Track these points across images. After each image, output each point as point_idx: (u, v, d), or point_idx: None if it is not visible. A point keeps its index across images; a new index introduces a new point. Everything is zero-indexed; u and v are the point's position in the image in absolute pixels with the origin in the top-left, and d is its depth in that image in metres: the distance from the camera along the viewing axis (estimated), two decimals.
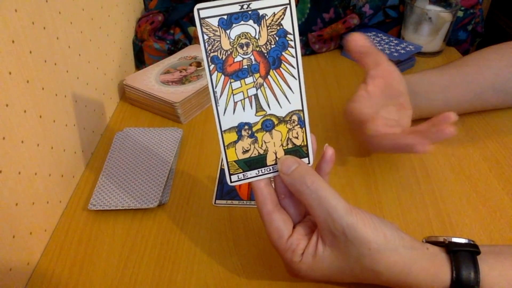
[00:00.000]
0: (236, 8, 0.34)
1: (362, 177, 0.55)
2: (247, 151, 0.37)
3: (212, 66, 0.35)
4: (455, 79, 0.58)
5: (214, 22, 0.34)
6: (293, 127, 0.37)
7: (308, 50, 0.83)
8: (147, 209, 0.51)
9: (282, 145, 0.38)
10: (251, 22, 0.34)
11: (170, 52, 0.78)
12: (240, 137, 0.37)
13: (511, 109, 0.64)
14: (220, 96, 0.36)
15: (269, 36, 0.35)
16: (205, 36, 0.34)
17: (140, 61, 0.79)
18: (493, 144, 0.59)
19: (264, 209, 0.37)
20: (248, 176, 0.38)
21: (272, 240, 0.37)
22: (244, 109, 0.36)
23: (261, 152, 0.37)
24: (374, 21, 0.84)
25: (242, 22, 0.34)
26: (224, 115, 0.36)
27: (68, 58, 0.53)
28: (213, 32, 0.34)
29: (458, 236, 0.38)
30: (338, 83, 0.74)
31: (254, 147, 0.37)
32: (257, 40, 0.35)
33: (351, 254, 0.35)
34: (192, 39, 0.80)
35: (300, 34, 0.78)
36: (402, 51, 0.76)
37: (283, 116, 0.37)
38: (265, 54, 0.35)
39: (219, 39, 0.34)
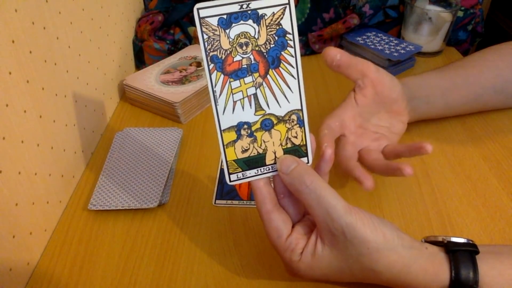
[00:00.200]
0: (235, 8, 0.34)
1: None
2: (246, 150, 0.37)
3: (211, 66, 0.35)
4: (455, 81, 0.58)
5: (214, 21, 0.34)
6: (292, 126, 0.37)
7: (308, 50, 0.83)
8: (147, 209, 0.51)
9: (281, 144, 0.38)
10: (250, 21, 0.34)
11: (170, 52, 0.78)
12: (239, 136, 0.37)
13: (511, 109, 0.64)
14: (220, 96, 0.36)
15: (268, 36, 0.35)
16: (204, 35, 0.34)
17: (140, 61, 0.79)
18: (493, 144, 0.59)
19: (263, 208, 0.37)
20: (247, 176, 0.38)
21: (271, 239, 0.37)
22: (243, 108, 0.36)
23: (260, 151, 0.37)
24: (374, 21, 0.84)
25: (241, 22, 0.34)
26: (223, 114, 0.36)
27: (68, 58, 0.53)
28: (213, 31, 0.34)
29: (457, 236, 0.38)
30: (338, 83, 0.74)
31: (253, 147, 0.37)
32: (256, 39, 0.35)
33: (350, 253, 0.35)
34: (192, 39, 0.80)
35: (300, 34, 0.78)
36: (402, 51, 0.76)
37: (282, 115, 0.37)
38: (265, 54, 0.35)
39: (218, 39, 0.34)
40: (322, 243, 0.36)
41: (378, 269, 0.35)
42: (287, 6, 0.35)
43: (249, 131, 0.37)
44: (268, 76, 0.36)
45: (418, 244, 0.37)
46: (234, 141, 0.37)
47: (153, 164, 0.56)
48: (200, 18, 0.34)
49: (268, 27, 0.35)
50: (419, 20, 0.78)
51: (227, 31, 0.34)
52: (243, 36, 0.35)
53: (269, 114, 0.37)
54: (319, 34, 0.81)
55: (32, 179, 0.44)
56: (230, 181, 0.38)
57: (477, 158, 0.57)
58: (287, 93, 0.37)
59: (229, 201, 0.52)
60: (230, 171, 0.37)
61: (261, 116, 0.37)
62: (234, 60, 0.35)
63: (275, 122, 0.37)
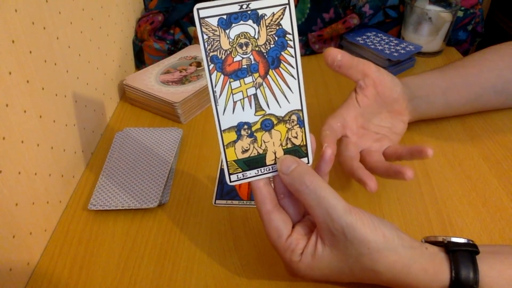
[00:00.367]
0: (235, 8, 0.34)
1: None
2: (246, 150, 0.37)
3: (211, 66, 0.35)
4: (455, 81, 0.58)
5: (214, 21, 0.34)
6: (292, 126, 0.37)
7: (308, 50, 0.83)
8: (147, 209, 0.51)
9: (281, 144, 0.38)
10: (250, 22, 0.34)
11: (170, 52, 0.78)
12: (239, 136, 0.37)
13: (511, 109, 0.64)
14: (220, 96, 0.36)
15: (268, 36, 0.35)
16: (204, 35, 0.34)
17: (140, 61, 0.79)
18: (493, 144, 0.59)
19: (263, 208, 0.37)
20: (248, 176, 0.38)
21: (271, 239, 0.37)
22: (243, 108, 0.36)
23: (261, 151, 0.37)
24: (374, 21, 0.84)
25: (241, 22, 0.34)
26: (223, 114, 0.36)
27: (68, 58, 0.53)
28: (213, 31, 0.34)
29: (457, 236, 0.38)
30: (338, 83, 0.74)
31: (254, 147, 0.37)
32: (256, 40, 0.35)
33: (351, 253, 0.35)
34: (192, 39, 0.80)
35: (300, 34, 0.78)
36: (402, 51, 0.76)
37: (283, 115, 0.37)
38: (264, 54, 0.35)
39: (218, 39, 0.34)
40: (323, 243, 0.36)
41: (378, 269, 0.35)
42: (287, 6, 0.35)
43: (249, 132, 0.37)
44: (268, 76, 0.36)
45: (418, 244, 0.37)
46: (234, 142, 0.37)
47: (153, 164, 0.56)
48: (200, 19, 0.34)
49: (268, 27, 0.35)
50: (419, 20, 0.78)
51: (227, 31, 0.34)
52: (243, 37, 0.35)
53: (269, 114, 0.37)
54: (319, 34, 0.81)
55: (32, 179, 0.44)
56: (230, 181, 0.38)
57: (477, 158, 0.57)
58: (287, 93, 0.37)
59: (229, 201, 0.52)
60: (230, 172, 0.37)
61: (261, 116, 0.37)
62: (234, 60, 0.35)
63: (275, 122, 0.37)
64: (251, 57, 0.35)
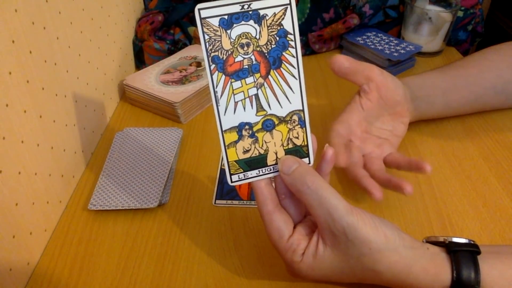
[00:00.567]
0: (236, 8, 0.34)
1: None
2: (247, 151, 0.37)
3: (212, 66, 0.35)
4: (456, 81, 0.58)
5: (215, 22, 0.34)
6: (294, 127, 0.37)
7: (308, 50, 0.83)
8: (147, 209, 0.51)
9: (282, 145, 0.38)
10: (251, 22, 0.34)
11: (170, 52, 0.78)
12: (240, 137, 0.37)
13: (511, 109, 0.64)
14: (221, 96, 0.36)
15: (269, 36, 0.35)
16: (206, 36, 0.34)
17: (140, 61, 0.79)
18: (493, 144, 0.59)
19: (265, 209, 0.37)
20: (249, 176, 0.38)
21: (273, 240, 0.37)
22: (244, 109, 0.36)
23: (262, 152, 0.37)
24: (374, 21, 0.84)
25: (242, 22, 0.34)
26: (224, 115, 0.36)
27: (68, 58, 0.53)
28: (214, 32, 0.34)
29: (458, 236, 0.38)
30: (338, 83, 0.74)
31: (255, 147, 0.37)
32: (257, 40, 0.35)
33: (352, 254, 0.35)
34: (192, 39, 0.80)
35: (300, 34, 0.78)
36: (402, 51, 0.76)
37: (284, 116, 0.37)
38: (266, 54, 0.35)
39: (219, 39, 0.34)
40: (324, 243, 0.36)
41: (379, 269, 0.35)
42: (288, 6, 0.35)
43: (250, 132, 0.37)
44: (269, 76, 0.36)
45: (419, 244, 0.37)
46: (236, 142, 0.37)
47: (153, 164, 0.55)
48: (201, 19, 0.33)
49: (269, 28, 0.35)
50: (419, 20, 0.78)
51: (228, 31, 0.34)
52: (244, 37, 0.35)
53: (270, 114, 0.37)
54: (319, 34, 0.81)
55: (32, 179, 0.44)
56: (232, 181, 0.38)
57: (477, 158, 0.57)
58: (288, 93, 0.37)
59: (229, 201, 0.52)
60: (231, 172, 0.37)
61: (262, 116, 0.37)
62: (236, 60, 0.35)
63: (276, 122, 0.37)
64: (253, 57, 0.35)
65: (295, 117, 0.37)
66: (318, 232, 0.37)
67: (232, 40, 0.35)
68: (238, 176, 0.38)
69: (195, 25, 0.78)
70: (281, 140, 0.37)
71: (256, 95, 0.36)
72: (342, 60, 0.49)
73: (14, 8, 0.41)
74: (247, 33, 0.35)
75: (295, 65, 0.36)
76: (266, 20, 0.35)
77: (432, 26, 0.78)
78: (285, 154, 0.38)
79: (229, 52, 0.35)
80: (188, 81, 0.68)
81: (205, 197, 0.53)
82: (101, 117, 0.64)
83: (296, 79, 0.36)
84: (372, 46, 0.78)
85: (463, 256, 0.35)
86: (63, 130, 0.51)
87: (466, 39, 0.84)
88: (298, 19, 0.82)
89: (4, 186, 0.39)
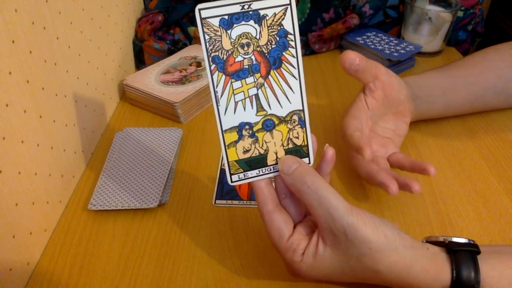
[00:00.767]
0: (237, 8, 0.34)
1: (362, 177, 0.55)
2: (247, 151, 0.37)
3: (213, 66, 0.35)
4: (456, 81, 0.58)
5: (215, 22, 0.34)
6: (294, 127, 0.37)
7: (308, 50, 0.83)
8: (147, 209, 0.51)
9: (282, 145, 0.38)
10: (252, 22, 0.34)
11: (170, 52, 0.78)
12: (241, 137, 0.37)
13: (511, 109, 0.64)
14: (221, 96, 0.36)
15: (269, 36, 0.35)
16: (206, 36, 0.34)
17: (140, 61, 0.79)
18: (493, 144, 0.59)
19: (265, 209, 0.37)
20: (249, 176, 0.38)
21: (273, 240, 0.37)
22: (245, 109, 0.36)
23: (262, 152, 0.37)
24: (374, 21, 0.84)
25: (243, 22, 0.34)
26: (225, 115, 0.36)
27: (68, 58, 0.53)
28: (214, 32, 0.34)
29: (458, 236, 0.38)
30: (338, 83, 0.74)
31: (255, 147, 0.37)
32: (258, 40, 0.35)
33: (352, 253, 0.35)
34: (192, 39, 0.80)
35: (300, 34, 0.78)
36: (402, 51, 0.76)
37: (284, 116, 0.37)
38: (266, 54, 0.35)
39: (220, 39, 0.34)
40: (324, 243, 0.36)
41: (379, 269, 0.35)
42: (289, 6, 0.35)
43: (250, 132, 0.37)
44: (269, 76, 0.36)
45: (419, 244, 0.37)
46: (236, 142, 0.37)
47: (153, 164, 0.55)
48: (201, 19, 0.33)
49: (270, 28, 0.35)
50: (419, 20, 0.78)
51: (229, 31, 0.34)
52: (245, 37, 0.35)
53: (270, 114, 0.37)
54: (319, 34, 0.81)
55: (32, 179, 0.44)
56: (232, 181, 0.38)
57: (477, 158, 0.57)
58: (288, 93, 0.37)
59: (229, 201, 0.52)
60: (231, 172, 0.37)
61: (262, 116, 0.37)
62: (236, 60, 0.35)
63: (276, 122, 0.37)
64: (253, 57, 0.35)
65: (295, 117, 0.37)
66: (318, 232, 0.37)
67: (232, 40, 0.35)
68: (238, 176, 0.38)
69: (195, 25, 0.78)
70: (281, 140, 0.37)
71: (256, 95, 0.36)
72: (353, 57, 0.49)
73: (14, 8, 0.41)
74: (248, 33, 0.35)
75: (295, 65, 0.36)
76: (266, 20, 0.35)
77: (432, 26, 0.78)
78: (285, 154, 0.38)
79: (230, 52, 0.35)
80: (188, 81, 0.68)
81: (205, 197, 0.53)
82: (101, 117, 0.64)
83: (296, 79, 0.36)
84: (372, 46, 0.78)
85: (463, 256, 0.35)
86: (63, 130, 0.51)
87: (466, 39, 0.84)
88: (298, 19, 0.82)
89: (4, 186, 0.39)
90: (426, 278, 0.35)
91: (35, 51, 0.45)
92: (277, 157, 0.38)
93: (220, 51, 0.35)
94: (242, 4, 0.34)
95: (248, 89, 0.36)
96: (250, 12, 0.34)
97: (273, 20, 0.35)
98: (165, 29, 0.82)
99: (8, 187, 0.40)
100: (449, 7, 0.77)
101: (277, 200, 0.38)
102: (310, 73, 0.77)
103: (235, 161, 0.37)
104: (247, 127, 0.37)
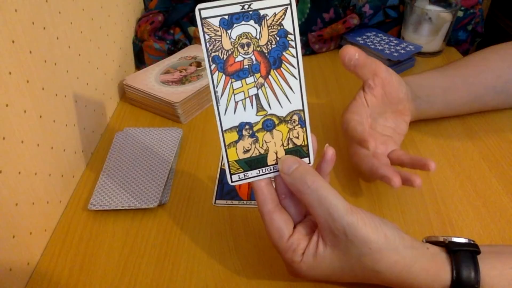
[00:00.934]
0: (237, 8, 0.34)
1: (362, 177, 0.55)
2: (248, 151, 0.37)
3: (213, 66, 0.35)
4: (456, 81, 0.58)
5: (215, 22, 0.34)
6: (294, 127, 0.37)
7: (308, 50, 0.83)
8: (147, 209, 0.51)
9: (282, 145, 0.38)
10: (252, 22, 0.34)
11: (170, 52, 0.78)
12: (241, 136, 0.37)
13: (511, 109, 0.64)
14: (221, 96, 0.36)
15: (270, 36, 0.35)
16: (206, 36, 0.34)
17: (140, 61, 0.79)
18: (493, 144, 0.59)
19: (265, 208, 0.37)
20: (249, 176, 0.38)
21: (273, 240, 0.37)
22: (245, 109, 0.36)
23: (262, 152, 0.37)
24: (374, 21, 0.84)
25: (243, 22, 0.34)
26: (225, 114, 0.36)
27: (68, 58, 0.53)
28: (214, 32, 0.34)
29: (458, 236, 0.38)
30: (338, 83, 0.74)
31: (255, 147, 0.37)
32: (258, 40, 0.35)
33: (352, 253, 0.35)
34: (192, 39, 0.80)
35: (300, 34, 0.78)
36: (402, 51, 0.76)
37: (284, 116, 0.37)
38: (266, 54, 0.35)
39: (220, 39, 0.34)
40: (324, 243, 0.36)
41: (379, 269, 0.35)
42: (289, 6, 0.35)
43: (250, 132, 0.37)
44: (269, 76, 0.36)
45: (419, 244, 0.37)
46: (236, 142, 0.37)
47: (153, 164, 0.55)
48: (201, 19, 0.33)
49: (270, 28, 0.35)
50: (419, 20, 0.78)
51: (229, 31, 0.34)
52: (245, 37, 0.35)
53: (270, 114, 0.37)
54: (319, 34, 0.81)
55: (32, 179, 0.44)
56: (232, 181, 0.38)
57: (477, 158, 0.57)
58: (288, 93, 0.37)
59: (229, 201, 0.52)
60: (231, 172, 0.37)
61: (262, 116, 0.37)
62: (236, 60, 0.35)
63: (276, 122, 0.37)
64: (253, 57, 0.35)
65: (295, 117, 0.37)
66: (318, 232, 0.37)
67: (232, 40, 0.35)
68: (238, 176, 0.38)
69: (195, 25, 0.78)
70: (281, 140, 0.37)
71: (256, 95, 0.36)
72: (353, 52, 0.49)
73: (14, 8, 0.41)
74: (248, 33, 0.35)
75: (295, 65, 0.36)
76: (267, 20, 0.35)
77: (432, 26, 0.78)
78: (285, 154, 0.38)
79: (230, 52, 0.35)
80: (188, 81, 0.68)
81: (205, 197, 0.53)
82: (101, 117, 0.64)
83: (296, 79, 0.36)
84: (372, 46, 0.78)
85: (463, 256, 0.35)
86: (63, 130, 0.51)
87: (466, 39, 0.84)
88: (298, 19, 0.82)
89: (4, 186, 0.39)
90: (426, 278, 0.35)
91: (35, 51, 0.45)
92: (277, 157, 0.38)
93: (220, 51, 0.35)
94: (242, 4, 0.34)
95: (248, 89, 0.36)
96: (250, 12, 0.34)
97: (273, 20, 0.35)
98: (165, 29, 0.82)
99: (8, 187, 0.40)
100: (449, 7, 0.77)
101: (277, 200, 0.38)
102: (310, 73, 0.77)
103: (235, 161, 0.37)
104: (247, 127, 0.37)
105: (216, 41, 0.34)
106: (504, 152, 0.58)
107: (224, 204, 0.52)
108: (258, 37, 0.35)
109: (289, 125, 0.37)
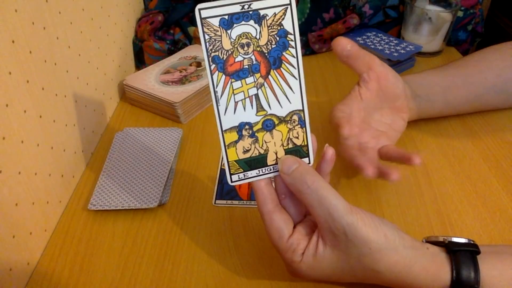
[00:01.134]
0: (237, 8, 0.34)
1: (362, 177, 0.55)
2: (247, 151, 0.37)
3: (213, 66, 0.35)
4: (456, 80, 0.58)
5: (215, 22, 0.34)
6: (294, 127, 0.37)
7: (308, 50, 0.83)
8: (147, 209, 0.51)
9: (282, 145, 0.38)
10: (252, 22, 0.34)
11: (170, 52, 0.78)
12: (240, 136, 0.37)
13: (511, 109, 0.64)
14: (221, 96, 0.36)
15: (269, 36, 0.35)
16: (206, 36, 0.34)
17: (140, 61, 0.79)
18: (493, 144, 0.59)
19: (265, 209, 0.37)
20: (249, 176, 0.38)
21: (273, 240, 0.37)
22: (244, 109, 0.36)
23: (262, 152, 0.37)
24: (374, 21, 0.84)
25: (243, 22, 0.34)
26: (224, 114, 0.36)
27: (68, 58, 0.53)
28: (214, 32, 0.34)
29: (458, 236, 0.38)
30: (338, 83, 0.74)
31: (255, 147, 0.37)
32: (258, 40, 0.35)
33: (352, 253, 0.35)
34: (192, 39, 0.80)
35: (300, 34, 0.79)
36: (402, 51, 0.76)
37: (284, 116, 0.37)
38: (266, 54, 0.35)
39: (220, 39, 0.34)
40: (324, 243, 0.36)
41: (379, 269, 0.35)
42: (289, 6, 0.35)
43: (250, 132, 0.37)
44: (269, 76, 0.36)
45: (419, 244, 0.37)
46: (236, 142, 0.37)
47: (153, 164, 0.55)
48: (201, 19, 0.33)
49: (270, 28, 0.35)
50: (419, 20, 0.78)
51: (229, 31, 0.34)
52: (245, 37, 0.35)
53: (270, 114, 0.37)
54: (319, 34, 0.81)
55: (32, 179, 0.44)
56: (232, 181, 0.38)
57: (477, 158, 0.57)
58: (288, 93, 0.37)
59: (229, 201, 0.52)
60: (231, 172, 0.37)
61: (262, 116, 0.37)
62: (236, 60, 0.35)
63: (276, 122, 0.37)
64: (253, 57, 0.35)
65: (295, 117, 0.37)
66: (318, 232, 0.37)
67: (232, 40, 0.35)
68: (238, 176, 0.38)
69: (195, 25, 0.78)
70: (281, 140, 0.37)
71: (256, 95, 0.36)
72: (345, 42, 0.49)
73: (14, 8, 0.41)
74: (248, 33, 0.35)
75: (295, 65, 0.36)
76: (266, 20, 0.35)
77: (432, 26, 0.78)
78: (285, 154, 0.38)
79: (229, 52, 0.35)
80: (188, 81, 0.68)
81: (205, 197, 0.53)
82: (101, 117, 0.64)
83: (296, 79, 0.36)
84: (372, 46, 0.78)
85: (463, 256, 0.35)
86: (63, 130, 0.51)
87: (466, 39, 0.84)
88: (298, 19, 0.82)
89: (4, 186, 0.39)
90: (426, 278, 0.35)
91: (35, 51, 0.45)
92: (277, 157, 0.38)
93: (220, 51, 0.35)
94: (242, 4, 0.34)
95: (248, 89, 0.36)
96: (250, 12, 0.34)
97: (273, 20, 0.35)
98: (165, 29, 0.82)
99: (8, 187, 0.40)
100: (449, 7, 0.77)
101: (277, 200, 0.38)
102: (310, 73, 0.77)
103: (235, 161, 0.37)
104: (247, 127, 0.37)
105: (216, 41, 0.34)
106: (504, 152, 0.58)
107: (224, 204, 0.52)
108: (258, 37, 0.35)
109: (289, 125, 0.37)
